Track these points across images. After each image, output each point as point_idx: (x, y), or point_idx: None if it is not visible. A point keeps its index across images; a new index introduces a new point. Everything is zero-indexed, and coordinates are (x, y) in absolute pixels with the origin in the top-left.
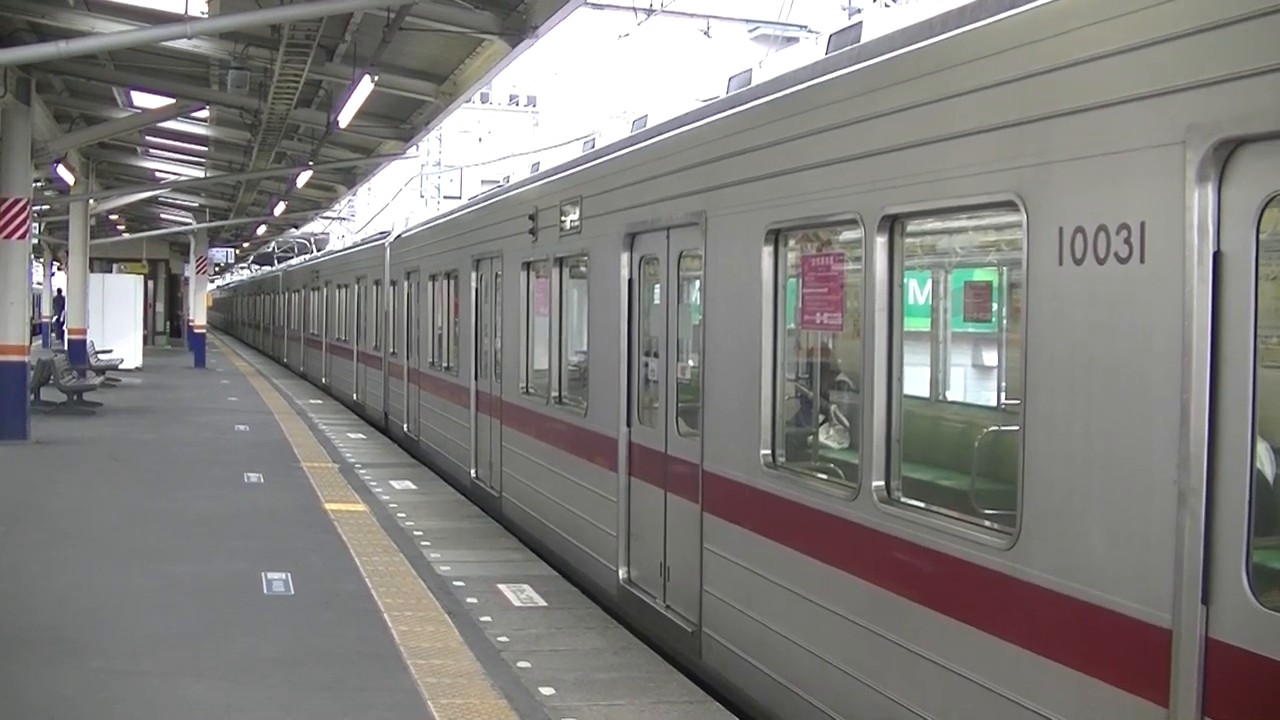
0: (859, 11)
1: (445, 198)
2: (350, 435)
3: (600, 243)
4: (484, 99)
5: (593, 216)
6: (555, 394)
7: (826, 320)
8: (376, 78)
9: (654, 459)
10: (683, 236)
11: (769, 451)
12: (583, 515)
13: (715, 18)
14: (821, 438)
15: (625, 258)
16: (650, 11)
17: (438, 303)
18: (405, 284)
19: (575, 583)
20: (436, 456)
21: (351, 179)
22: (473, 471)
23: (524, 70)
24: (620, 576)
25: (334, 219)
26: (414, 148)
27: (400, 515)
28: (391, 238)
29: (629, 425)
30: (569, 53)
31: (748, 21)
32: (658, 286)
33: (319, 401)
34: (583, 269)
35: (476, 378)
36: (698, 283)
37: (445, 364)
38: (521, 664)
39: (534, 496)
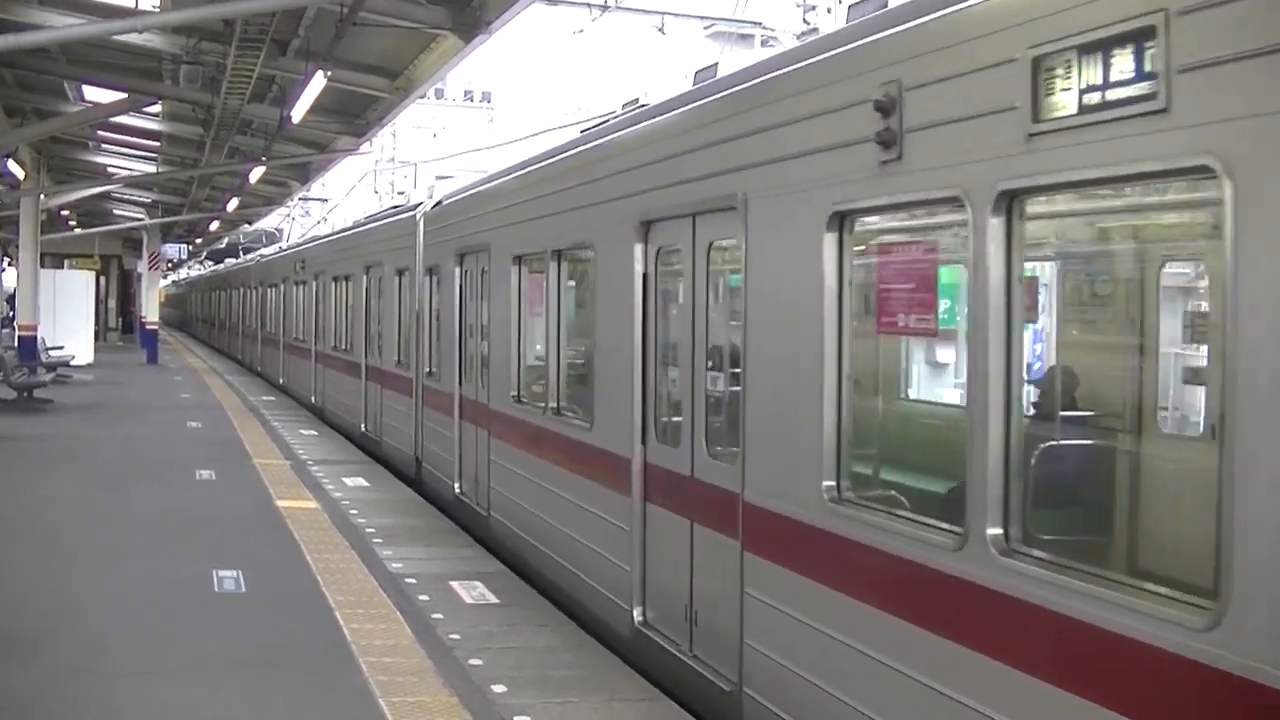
0: (813, 9)
1: (398, 193)
2: (302, 432)
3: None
4: (438, 95)
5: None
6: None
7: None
8: (329, 73)
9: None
10: None
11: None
12: None
13: (670, 14)
14: None
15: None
16: (605, 7)
17: (532, 302)
18: (457, 271)
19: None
20: (546, 565)
21: (305, 174)
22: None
23: (478, 66)
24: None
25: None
26: (367, 143)
27: (352, 512)
28: (428, 207)
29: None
30: (523, 49)
31: (702, 18)
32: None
33: (272, 398)
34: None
35: (644, 440)
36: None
37: (556, 404)
38: (473, 661)
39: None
